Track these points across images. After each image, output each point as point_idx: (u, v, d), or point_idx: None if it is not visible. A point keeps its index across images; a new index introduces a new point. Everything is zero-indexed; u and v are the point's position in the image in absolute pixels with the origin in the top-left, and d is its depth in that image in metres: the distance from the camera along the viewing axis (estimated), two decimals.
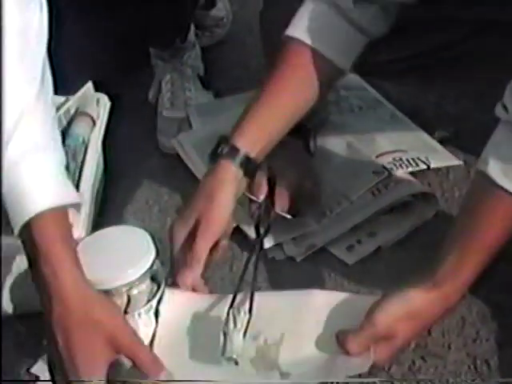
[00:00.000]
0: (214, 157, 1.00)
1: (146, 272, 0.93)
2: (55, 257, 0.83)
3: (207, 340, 0.91)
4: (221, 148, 0.99)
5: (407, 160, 1.17)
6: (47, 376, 0.99)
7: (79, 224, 1.05)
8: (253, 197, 1.06)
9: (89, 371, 0.82)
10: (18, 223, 0.83)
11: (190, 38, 1.43)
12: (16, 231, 0.84)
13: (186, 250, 0.97)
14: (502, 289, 1.04)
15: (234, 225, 1.16)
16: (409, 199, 1.15)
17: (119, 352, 0.85)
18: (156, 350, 0.92)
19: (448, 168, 1.23)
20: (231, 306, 0.91)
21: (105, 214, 1.25)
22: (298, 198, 1.10)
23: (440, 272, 0.88)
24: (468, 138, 1.26)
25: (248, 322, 0.89)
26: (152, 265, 0.94)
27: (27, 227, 0.83)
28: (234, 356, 0.87)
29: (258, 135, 1.00)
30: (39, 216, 0.83)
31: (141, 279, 0.93)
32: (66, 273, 0.83)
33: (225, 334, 0.88)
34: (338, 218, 1.14)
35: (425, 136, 1.26)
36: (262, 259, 1.06)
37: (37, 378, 1.00)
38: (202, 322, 0.94)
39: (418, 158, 1.18)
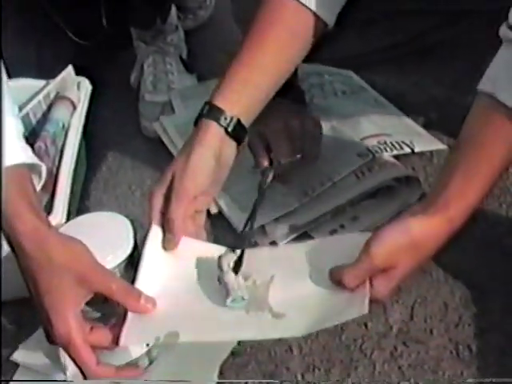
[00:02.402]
0: (197, 119, 0.94)
1: (125, 259, 0.93)
2: (11, 210, 0.82)
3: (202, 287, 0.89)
4: (203, 109, 0.94)
5: (391, 143, 1.17)
6: (27, 363, 0.99)
7: (58, 210, 1.04)
8: (260, 166, 1.04)
9: (58, 313, 0.82)
10: None
11: (171, 19, 1.42)
12: None
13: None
14: (485, 274, 1.04)
15: (216, 211, 1.17)
16: (392, 184, 1.14)
17: (92, 290, 0.83)
18: None
19: (432, 152, 1.22)
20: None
21: (87, 199, 1.25)
22: (300, 143, 1.09)
23: (444, 195, 0.84)
24: (452, 123, 1.25)
25: (239, 259, 0.87)
26: (132, 252, 0.94)
27: None
28: (239, 294, 0.84)
29: (240, 93, 0.94)
30: None
31: (120, 266, 0.92)
32: (22, 223, 0.82)
33: (219, 280, 0.86)
34: (320, 199, 1.13)
35: (409, 120, 1.26)
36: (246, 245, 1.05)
37: (17, 366, 1.00)
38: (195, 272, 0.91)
39: (403, 142, 1.17)
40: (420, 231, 0.84)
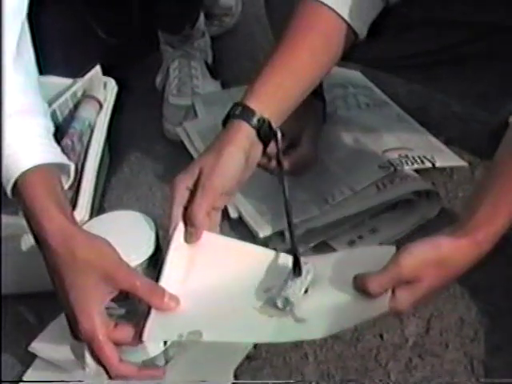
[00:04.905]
0: (227, 119, 0.95)
1: (147, 258, 0.93)
2: (39, 208, 0.84)
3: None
4: (233, 110, 0.94)
5: (413, 157, 1.17)
6: (45, 354, 1.00)
7: (82, 207, 1.05)
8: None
9: (83, 310, 0.83)
10: (7, 185, 0.86)
11: (199, 25, 1.43)
12: (8, 193, 0.86)
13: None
14: (502, 291, 1.05)
15: (236, 215, 1.18)
16: (412, 197, 1.15)
17: (117, 287, 0.84)
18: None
19: (452, 168, 1.23)
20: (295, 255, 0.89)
21: (108, 198, 1.26)
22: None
23: (473, 220, 0.85)
24: (473, 140, 1.26)
25: (309, 284, 0.87)
26: (154, 251, 0.94)
27: (16, 187, 0.85)
28: (292, 300, 0.84)
29: (273, 97, 0.95)
30: (24, 174, 0.85)
31: (142, 265, 0.93)
32: (49, 221, 0.84)
33: (287, 278, 0.86)
34: (339, 207, 1.14)
35: (430, 137, 1.26)
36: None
37: (35, 357, 1.01)
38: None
39: (424, 156, 1.18)
40: (448, 250, 0.85)
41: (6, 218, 1.00)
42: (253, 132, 0.93)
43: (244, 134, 0.93)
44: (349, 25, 0.98)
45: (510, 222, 0.86)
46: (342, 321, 0.84)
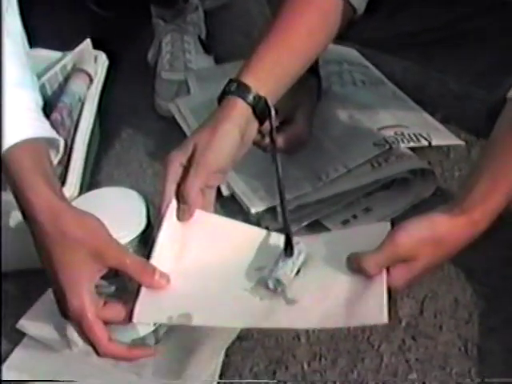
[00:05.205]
0: (222, 96, 0.93)
1: (138, 235, 0.92)
2: (26, 183, 0.83)
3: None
4: (229, 86, 0.93)
5: (409, 135, 1.15)
6: (33, 332, 0.99)
7: (72, 183, 1.03)
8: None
9: (71, 288, 0.81)
10: None
11: None
12: None
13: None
14: (498, 273, 1.04)
15: (228, 193, 1.17)
16: (407, 176, 1.14)
17: (106, 265, 0.83)
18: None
19: (448, 147, 1.21)
20: (288, 236, 0.88)
21: (98, 174, 1.24)
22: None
23: (469, 198, 0.85)
24: (470, 118, 1.24)
25: (301, 264, 0.87)
26: (145, 229, 0.93)
27: (3, 162, 0.83)
28: (283, 281, 0.84)
29: (269, 73, 0.94)
30: (13, 148, 0.83)
31: (132, 242, 0.91)
32: (36, 197, 0.82)
33: (279, 259, 0.86)
34: (333, 184, 1.13)
35: (426, 115, 1.24)
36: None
37: (22, 335, 0.99)
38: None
39: (420, 134, 1.16)
40: (444, 228, 0.84)
41: None
42: (249, 109, 0.92)
43: (239, 111, 0.91)
44: (347, 0, 0.96)
45: (507, 200, 0.85)
46: (335, 315, 0.82)
